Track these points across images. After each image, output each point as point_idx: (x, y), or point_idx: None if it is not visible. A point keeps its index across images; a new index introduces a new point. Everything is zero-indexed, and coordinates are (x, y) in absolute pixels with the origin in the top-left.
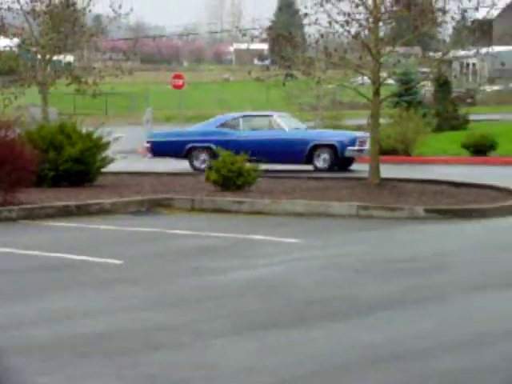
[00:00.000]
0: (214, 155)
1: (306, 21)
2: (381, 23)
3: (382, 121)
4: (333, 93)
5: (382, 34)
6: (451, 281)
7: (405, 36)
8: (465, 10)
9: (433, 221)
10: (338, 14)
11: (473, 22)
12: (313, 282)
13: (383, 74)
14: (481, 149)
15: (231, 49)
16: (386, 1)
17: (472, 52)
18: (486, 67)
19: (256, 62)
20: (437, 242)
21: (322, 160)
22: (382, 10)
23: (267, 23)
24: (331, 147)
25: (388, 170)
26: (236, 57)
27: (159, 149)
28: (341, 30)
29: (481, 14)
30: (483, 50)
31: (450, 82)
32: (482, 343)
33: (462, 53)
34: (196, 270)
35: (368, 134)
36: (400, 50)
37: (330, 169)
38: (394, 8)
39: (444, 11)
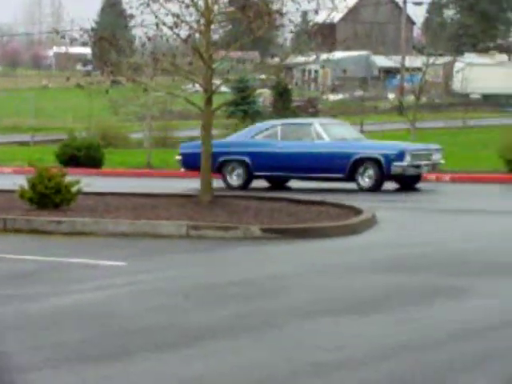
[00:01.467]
0: (249, 170)
1: (131, 23)
2: (214, 26)
3: (215, 132)
4: (163, 101)
5: (216, 37)
6: (286, 306)
7: (240, 40)
8: (305, 13)
9: (269, 241)
10: (167, 15)
11: (313, 25)
12: (137, 309)
13: (216, 82)
14: None
15: (50, 52)
16: (220, 2)
17: (312, 58)
18: (330, 74)
19: (79, 67)
20: (273, 263)
21: (368, 177)
22: (215, 11)
23: (89, 24)
24: (376, 162)
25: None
26: (56, 61)
27: (190, 162)
28: (170, 32)
29: (322, 18)
30: (324, 56)
31: (291, 90)
32: (317, 373)
33: (303, 59)
34: (4, 298)
35: (433, 146)
36: (235, 55)
37: (375, 188)
38: (228, 10)
39: (281, 13)
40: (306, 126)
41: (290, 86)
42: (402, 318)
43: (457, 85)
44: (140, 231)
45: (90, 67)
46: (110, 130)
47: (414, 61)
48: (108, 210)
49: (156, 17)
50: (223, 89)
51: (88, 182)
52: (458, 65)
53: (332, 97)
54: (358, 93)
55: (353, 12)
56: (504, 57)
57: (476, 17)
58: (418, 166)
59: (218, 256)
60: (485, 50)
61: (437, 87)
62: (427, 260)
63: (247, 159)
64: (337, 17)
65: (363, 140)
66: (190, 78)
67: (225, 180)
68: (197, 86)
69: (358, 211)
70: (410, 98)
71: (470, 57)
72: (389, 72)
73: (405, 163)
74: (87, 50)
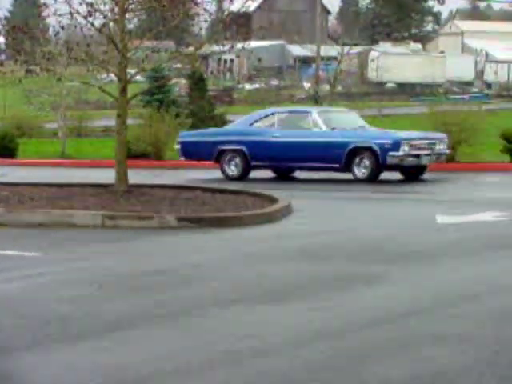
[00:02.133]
0: (246, 160)
1: (45, 12)
2: (128, 15)
3: (130, 122)
4: (77, 91)
5: (130, 26)
6: (201, 295)
7: (154, 29)
8: (220, 2)
9: (185, 230)
10: (81, 4)
11: (227, 14)
12: (50, 299)
13: (131, 71)
14: None
15: None
16: None
17: (226, 47)
18: (246, 64)
19: None
20: (188, 253)
21: (364, 168)
22: (130, 0)
23: (2, 13)
24: (371, 151)
25: (138, 176)
26: None
27: (190, 150)
28: (84, 22)
29: (236, 7)
30: (238, 45)
31: (207, 80)
32: (232, 362)
33: (218, 48)
34: None
35: (437, 136)
36: (150, 44)
37: (371, 179)
38: None
39: (196, 2)
40: (304, 114)
41: (205, 76)
42: (315, 305)
43: (372, 74)
44: (55, 221)
45: (3, 57)
46: (24, 119)
47: (330, 50)
48: (23, 200)
49: (70, 6)
50: (138, 78)
51: (2, 172)
52: (372, 54)
53: (248, 86)
54: (274, 82)
55: (268, 1)
56: (418, 46)
57: (391, 6)
58: (417, 156)
59: (133, 246)
60: (400, 39)
61: (352, 76)
62: (340, 248)
63: (244, 148)
64: (252, 6)
65: (363, 129)
66: (104, 67)
67: (223, 170)
68: (112, 75)
69: (273, 200)
70: (326, 87)
71: (384, 46)
72: (304, 61)
73: (400, 153)
74: (0, 39)
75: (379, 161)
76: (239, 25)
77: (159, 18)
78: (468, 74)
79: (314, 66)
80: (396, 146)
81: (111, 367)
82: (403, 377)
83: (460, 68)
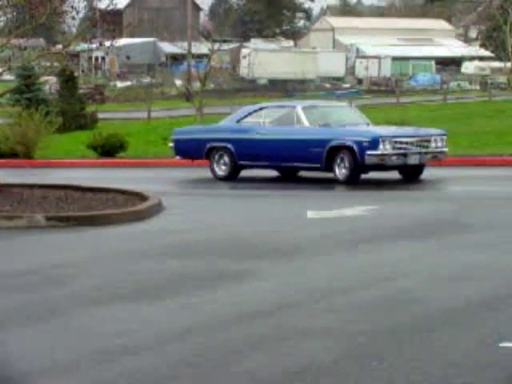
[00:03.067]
0: (233, 159)
1: None
2: None
3: None
4: None
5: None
6: (72, 294)
7: (22, 27)
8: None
9: (54, 229)
10: None
11: (95, 12)
12: None
13: None
14: (109, 150)
15: None
16: None
17: (95, 45)
18: (116, 61)
19: None
20: (58, 252)
21: (344, 168)
22: None
23: None
24: (350, 150)
25: (7, 176)
26: None
27: (182, 148)
28: None
29: (105, 4)
30: (107, 43)
31: (77, 78)
32: (100, 360)
33: (86, 46)
34: None
35: (432, 132)
36: (19, 42)
37: (350, 180)
38: None
39: (63, 0)
40: (289, 110)
41: (76, 73)
42: (186, 302)
43: (244, 70)
44: None
45: None
46: None
47: (200, 47)
48: None
49: None
50: (7, 77)
51: None
52: (244, 51)
53: (119, 83)
54: (146, 79)
55: None
56: (290, 42)
57: (262, 3)
58: (404, 155)
59: (1, 246)
60: (271, 36)
61: (224, 73)
62: (212, 245)
63: (231, 146)
64: (123, 3)
65: (354, 126)
66: None
67: (212, 170)
68: None
69: (144, 198)
70: (197, 84)
71: (256, 43)
72: (176, 58)
73: (379, 152)
74: None
75: (357, 160)
76: (109, 22)
77: (27, 15)
78: (339, 70)
79: (185, 63)
80: (374, 143)
81: None
82: (274, 371)
83: (331, 64)
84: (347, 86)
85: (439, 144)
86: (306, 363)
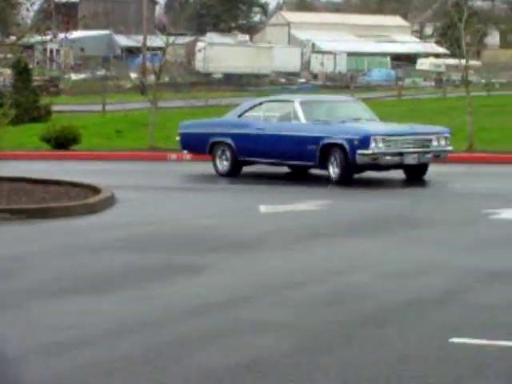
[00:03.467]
0: (235, 154)
1: None
2: None
3: None
4: None
5: None
6: (23, 287)
7: None
8: None
9: (6, 222)
10: None
11: (49, 3)
12: None
13: None
14: (63, 142)
15: None
16: None
17: (49, 37)
18: (71, 54)
19: None
20: (10, 245)
21: (337, 167)
22: None
23: None
24: (342, 149)
25: None
26: None
27: (187, 143)
28: None
29: None
30: (61, 35)
31: (31, 70)
32: (49, 353)
33: (40, 38)
34: None
35: (433, 130)
36: None
37: (342, 180)
38: None
39: None
40: (287, 104)
41: (30, 66)
42: (138, 295)
43: (199, 64)
44: None
45: None
46: None
47: (156, 40)
48: None
49: None
50: None
51: None
52: (199, 44)
53: (74, 76)
54: (101, 72)
55: None
56: (245, 37)
57: None
58: (400, 154)
59: None
60: (227, 30)
61: (179, 66)
62: (162, 238)
63: (231, 141)
64: None
65: (350, 122)
66: None
67: (214, 165)
68: None
69: (96, 190)
70: (152, 78)
71: (211, 36)
72: (131, 51)
73: (370, 151)
74: None
75: (349, 159)
76: (63, 14)
77: None
78: (294, 65)
79: (140, 56)
80: (365, 142)
81: None
82: (224, 364)
83: (287, 59)
84: (302, 80)
85: (442, 142)
86: (256, 357)
